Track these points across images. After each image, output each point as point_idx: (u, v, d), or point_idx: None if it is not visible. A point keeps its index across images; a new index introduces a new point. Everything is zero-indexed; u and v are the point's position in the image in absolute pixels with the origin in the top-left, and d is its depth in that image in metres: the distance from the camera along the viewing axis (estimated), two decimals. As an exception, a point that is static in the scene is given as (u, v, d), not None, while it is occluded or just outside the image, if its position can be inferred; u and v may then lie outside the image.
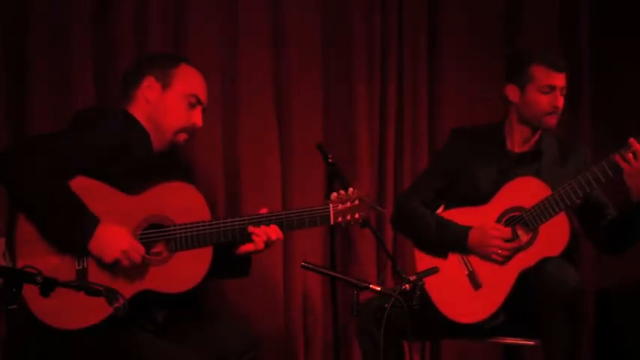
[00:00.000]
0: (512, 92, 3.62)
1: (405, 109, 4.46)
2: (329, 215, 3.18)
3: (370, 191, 4.33)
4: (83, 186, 2.97)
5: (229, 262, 3.20)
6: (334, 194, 3.21)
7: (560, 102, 3.57)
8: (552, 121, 3.59)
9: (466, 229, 3.54)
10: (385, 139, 4.41)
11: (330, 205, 3.18)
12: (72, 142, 3.00)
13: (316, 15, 4.27)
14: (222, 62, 4.06)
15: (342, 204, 3.19)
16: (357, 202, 3.20)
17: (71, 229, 2.93)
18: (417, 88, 4.48)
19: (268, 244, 3.13)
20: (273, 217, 3.14)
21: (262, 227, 3.12)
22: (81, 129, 3.06)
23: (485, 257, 3.51)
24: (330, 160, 3.39)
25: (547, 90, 3.55)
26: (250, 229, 3.12)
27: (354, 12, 4.33)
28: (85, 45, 3.76)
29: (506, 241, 3.48)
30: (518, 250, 3.48)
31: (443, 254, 3.58)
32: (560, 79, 3.56)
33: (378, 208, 3.28)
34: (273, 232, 3.13)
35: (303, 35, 4.22)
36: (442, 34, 4.53)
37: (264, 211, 3.16)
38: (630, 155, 3.36)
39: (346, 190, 3.21)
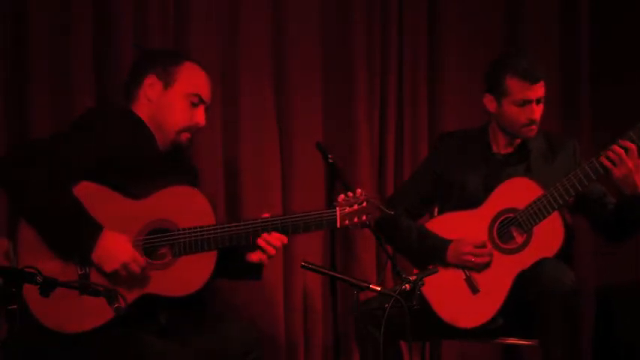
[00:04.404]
0: (489, 102, 3.60)
1: (405, 109, 4.46)
2: (335, 219, 3.09)
3: (370, 191, 4.32)
4: (87, 191, 2.95)
5: (240, 267, 3.18)
6: (341, 196, 3.12)
7: (537, 113, 3.53)
8: (530, 133, 3.57)
9: (445, 243, 3.53)
10: (385, 139, 4.41)
11: (338, 208, 3.10)
12: (72, 145, 2.97)
13: (316, 14, 4.27)
14: (222, 62, 4.06)
15: (350, 207, 3.11)
16: (364, 204, 3.12)
17: (73, 240, 2.91)
18: (417, 88, 4.48)
19: (272, 252, 3.10)
20: (279, 222, 3.08)
21: (264, 236, 3.07)
22: (81, 131, 3.04)
23: (468, 267, 3.51)
24: (329, 159, 3.33)
25: (522, 103, 3.52)
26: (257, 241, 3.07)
27: (354, 12, 4.32)
28: (85, 45, 3.76)
29: (479, 247, 3.48)
30: (512, 251, 3.48)
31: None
32: (535, 92, 3.51)
33: (386, 210, 3.14)
34: (277, 240, 3.08)
35: (303, 35, 4.22)
36: (442, 34, 4.53)
37: (266, 215, 3.11)
38: (615, 156, 3.35)
39: (353, 191, 3.13)
